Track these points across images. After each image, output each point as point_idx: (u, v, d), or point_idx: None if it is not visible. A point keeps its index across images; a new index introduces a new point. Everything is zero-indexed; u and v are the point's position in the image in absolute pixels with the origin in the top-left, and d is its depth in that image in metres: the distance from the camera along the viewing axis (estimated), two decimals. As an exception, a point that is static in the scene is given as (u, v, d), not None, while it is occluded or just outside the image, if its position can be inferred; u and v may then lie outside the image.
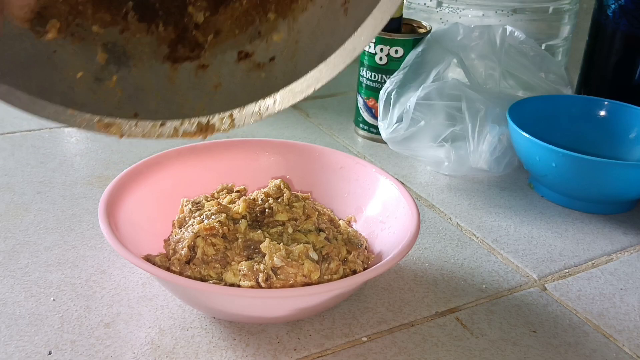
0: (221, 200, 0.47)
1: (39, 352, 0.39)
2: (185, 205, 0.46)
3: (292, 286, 0.39)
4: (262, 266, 0.40)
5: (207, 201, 0.46)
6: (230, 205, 0.45)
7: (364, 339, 0.42)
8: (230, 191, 0.49)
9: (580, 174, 0.56)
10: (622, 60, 0.70)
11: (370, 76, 0.69)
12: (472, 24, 0.71)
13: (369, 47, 0.68)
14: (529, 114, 0.62)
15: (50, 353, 0.39)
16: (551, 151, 0.55)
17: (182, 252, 0.41)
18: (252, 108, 0.25)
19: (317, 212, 0.46)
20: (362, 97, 0.71)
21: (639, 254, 0.53)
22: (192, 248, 0.42)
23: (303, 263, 0.40)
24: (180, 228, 0.44)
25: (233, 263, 0.41)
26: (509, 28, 0.68)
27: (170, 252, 0.43)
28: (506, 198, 0.61)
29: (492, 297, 0.47)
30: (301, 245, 0.41)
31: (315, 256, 0.41)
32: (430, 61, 0.65)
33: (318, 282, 0.40)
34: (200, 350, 0.40)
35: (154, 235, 0.46)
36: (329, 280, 0.41)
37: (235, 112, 0.25)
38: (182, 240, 0.42)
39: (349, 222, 0.50)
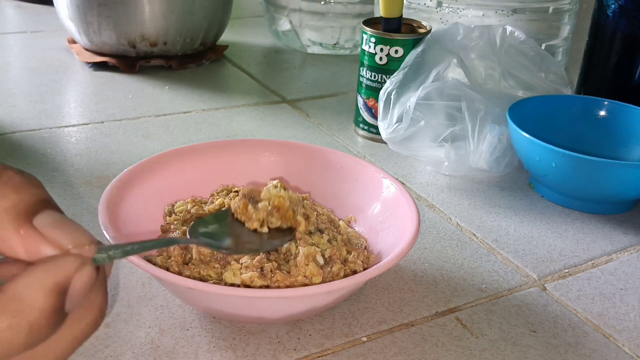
0: (216, 200, 0.47)
1: (39, 352, 0.39)
2: (167, 215, 0.47)
3: (292, 286, 0.39)
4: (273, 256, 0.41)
5: (186, 207, 0.48)
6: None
7: (364, 339, 0.42)
8: (230, 192, 0.49)
9: (580, 174, 0.56)
10: (622, 60, 0.70)
11: (370, 76, 0.69)
12: (472, 24, 0.71)
13: (369, 47, 0.68)
14: (529, 114, 0.62)
15: (50, 353, 0.39)
16: (551, 151, 0.55)
17: (175, 252, 0.41)
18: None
19: (315, 212, 0.46)
20: (362, 97, 0.71)
21: (639, 254, 0.53)
22: (185, 248, 0.42)
23: (307, 265, 0.40)
24: (165, 233, 0.45)
25: (233, 263, 0.41)
26: (509, 28, 0.68)
27: (165, 254, 0.43)
28: (506, 198, 0.61)
29: (492, 297, 0.47)
30: (312, 247, 0.41)
31: (321, 260, 0.41)
32: (430, 61, 0.65)
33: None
34: (200, 350, 0.40)
35: (154, 235, 0.46)
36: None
37: None
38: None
39: (349, 222, 0.50)
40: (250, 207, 0.41)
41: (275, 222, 0.42)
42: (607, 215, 0.59)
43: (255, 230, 0.41)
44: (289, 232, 0.42)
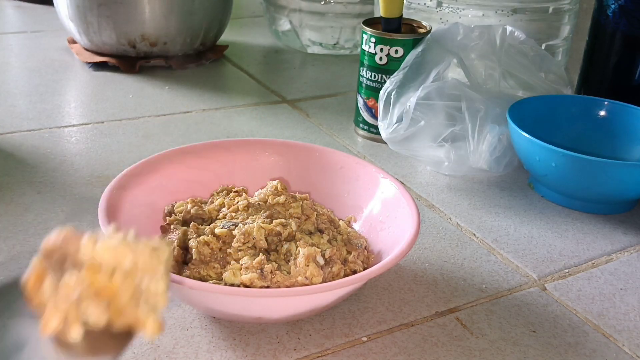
0: (216, 199, 0.47)
1: (39, 352, 0.39)
2: (167, 215, 0.47)
3: (292, 286, 0.39)
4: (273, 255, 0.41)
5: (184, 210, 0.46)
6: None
7: (364, 339, 0.42)
8: (230, 192, 0.49)
9: (580, 174, 0.56)
10: (622, 60, 0.70)
11: (370, 76, 0.69)
12: (472, 24, 0.71)
13: (369, 47, 0.68)
14: (529, 114, 0.62)
15: (50, 353, 0.39)
16: (551, 151, 0.55)
17: (175, 252, 0.41)
18: None
19: (315, 212, 0.46)
20: (362, 97, 0.71)
21: (639, 254, 0.53)
22: (185, 248, 0.42)
23: (308, 265, 0.40)
24: (165, 233, 0.45)
25: (233, 263, 0.41)
26: (509, 28, 0.68)
27: None
28: (506, 198, 0.61)
29: (492, 297, 0.47)
30: (312, 248, 0.41)
31: (321, 260, 0.41)
32: (430, 61, 0.65)
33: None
34: (200, 350, 0.40)
35: (154, 235, 0.46)
36: (329, 281, 0.41)
37: None
38: (170, 243, 0.42)
39: (349, 222, 0.50)
40: (48, 280, 0.20)
41: (97, 318, 0.20)
42: (607, 215, 0.59)
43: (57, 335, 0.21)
44: (126, 337, 0.22)
